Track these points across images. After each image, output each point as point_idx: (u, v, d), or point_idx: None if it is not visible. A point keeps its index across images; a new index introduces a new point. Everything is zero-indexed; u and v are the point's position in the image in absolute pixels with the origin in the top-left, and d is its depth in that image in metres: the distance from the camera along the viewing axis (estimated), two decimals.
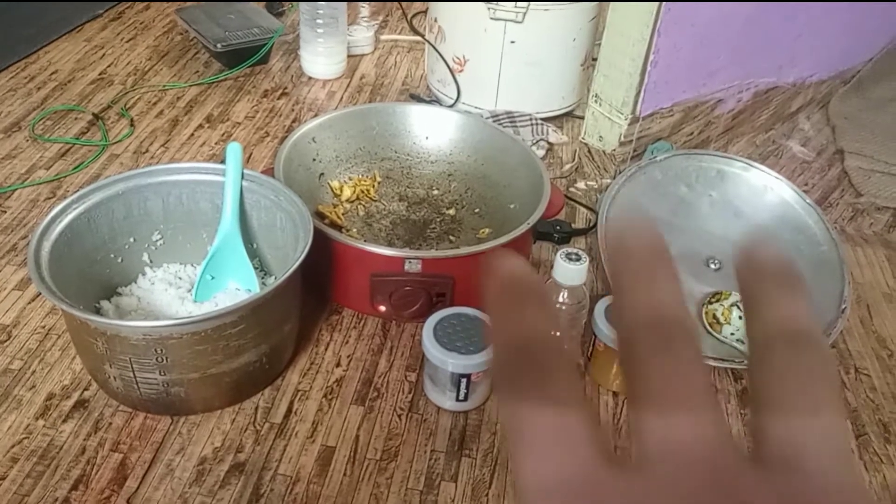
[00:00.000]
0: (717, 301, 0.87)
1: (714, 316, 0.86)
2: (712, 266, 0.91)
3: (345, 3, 1.31)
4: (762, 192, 0.99)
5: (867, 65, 1.39)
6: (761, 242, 0.24)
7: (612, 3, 1.04)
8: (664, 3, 0.96)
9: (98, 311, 0.79)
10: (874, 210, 1.13)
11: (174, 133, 1.18)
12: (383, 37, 1.49)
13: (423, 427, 0.76)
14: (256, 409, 0.77)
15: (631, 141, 1.08)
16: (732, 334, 0.85)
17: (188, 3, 1.48)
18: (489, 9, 1.15)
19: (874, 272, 1.01)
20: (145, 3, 1.55)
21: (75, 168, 1.08)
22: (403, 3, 1.54)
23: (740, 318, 0.85)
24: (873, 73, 1.39)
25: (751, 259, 0.23)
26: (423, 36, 1.34)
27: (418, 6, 1.57)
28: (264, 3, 1.52)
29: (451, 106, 1.25)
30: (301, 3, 1.30)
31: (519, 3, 1.13)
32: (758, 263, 0.23)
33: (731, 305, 0.86)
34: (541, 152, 1.17)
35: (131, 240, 0.84)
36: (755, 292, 0.23)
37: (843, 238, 1.00)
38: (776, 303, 0.22)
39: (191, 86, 1.30)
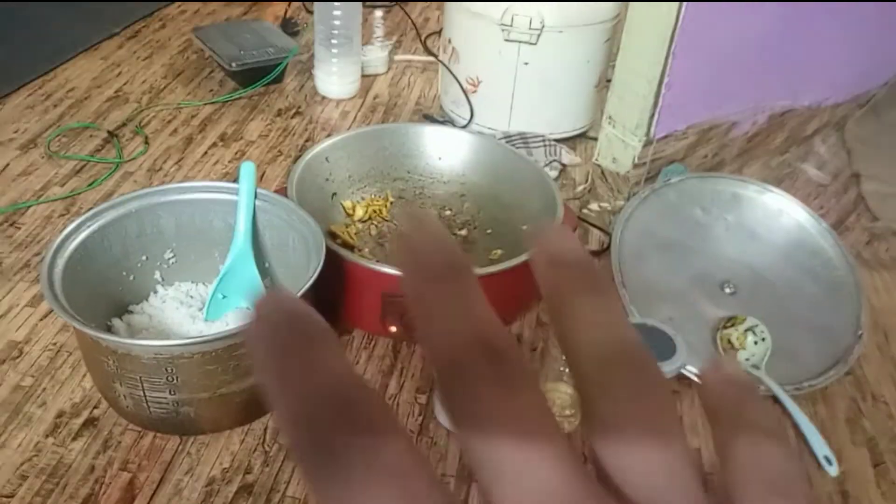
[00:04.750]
0: (732, 326, 0.86)
1: (729, 341, 0.85)
2: (727, 290, 0.91)
3: (359, 23, 1.32)
4: (777, 215, 0.98)
5: (883, 88, 1.38)
6: (559, 234, 0.21)
7: (627, 24, 1.03)
8: (679, 26, 0.96)
9: (109, 329, 0.79)
10: (890, 234, 1.12)
11: (188, 151, 1.18)
12: (397, 57, 1.50)
13: (434, 450, 0.76)
14: (266, 429, 0.76)
15: (645, 163, 1.07)
16: (747, 359, 0.84)
17: (204, 23, 1.49)
18: (503, 30, 1.15)
19: (891, 297, 1.00)
20: (161, 23, 1.56)
21: (90, 185, 1.08)
22: (418, 24, 1.55)
23: (755, 343, 0.84)
24: (889, 97, 1.38)
25: (551, 257, 0.21)
26: (436, 57, 1.35)
27: (433, 26, 1.58)
28: (279, 22, 1.53)
29: (464, 127, 1.25)
30: (316, 23, 1.30)
31: (533, 25, 1.14)
32: (558, 263, 0.21)
33: (746, 331, 0.85)
34: (554, 173, 1.16)
35: (144, 258, 0.84)
36: (561, 299, 0.20)
37: (859, 263, 0.99)
38: (588, 312, 0.20)
39: (205, 104, 1.30)
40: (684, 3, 0.94)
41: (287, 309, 0.19)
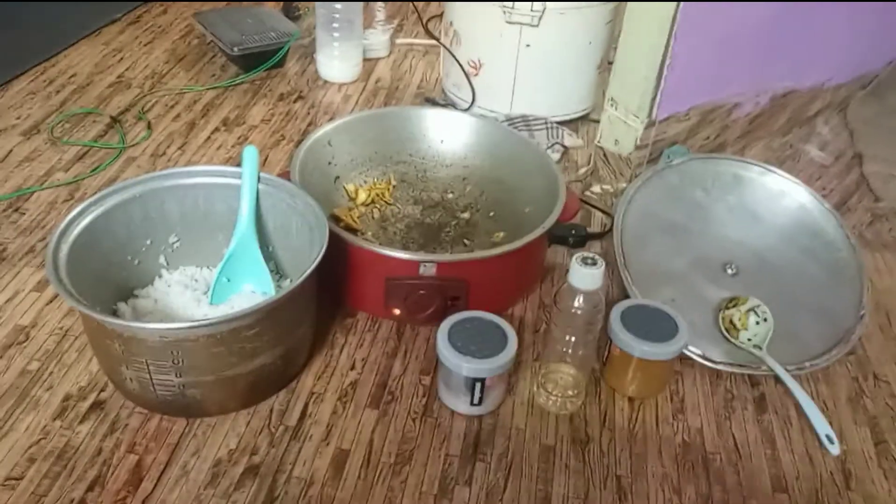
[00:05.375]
0: (734, 306, 0.86)
1: (731, 321, 0.85)
2: (729, 271, 0.91)
3: (361, 6, 1.32)
4: (779, 196, 0.98)
5: (885, 69, 1.38)
6: None
7: (628, 6, 1.03)
8: (681, 6, 0.95)
9: (115, 313, 0.79)
10: (893, 215, 1.12)
11: (191, 136, 1.18)
12: (399, 40, 1.50)
13: (438, 431, 0.76)
14: (271, 411, 0.77)
15: (647, 145, 1.07)
16: (749, 340, 0.84)
17: (205, 8, 1.49)
18: (505, 12, 1.15)
19: (893, 278, 1.00)
20: (163, 8, 1.56)
21: (93, 170, 1.09)
22: (419, 7, 1.55)
23: (757, 323, 0.85)
24: (892, 78, 1.38)
25: None
26: (438, 40, 1.34)
27: (434, 10, 1.57)
28: (281, 7, 1.53)
29: (466, 110, 1.25)
30: (317, 7, 1.30)
31: (535, 7, 1.13)
32: None
33: (748, 311, 0.85)
34: (556, 156, 1.16)
35: (148, 242, 0.84)
36: None
37: (861, 243, 0.99)
38: None
39: (208, 89, 1.30)
40: None
41: None
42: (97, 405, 0.76)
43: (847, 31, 1.22)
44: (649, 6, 0.99)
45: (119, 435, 0.73)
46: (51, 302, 0.87)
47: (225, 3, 1.59)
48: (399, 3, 1.63)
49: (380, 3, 1.46)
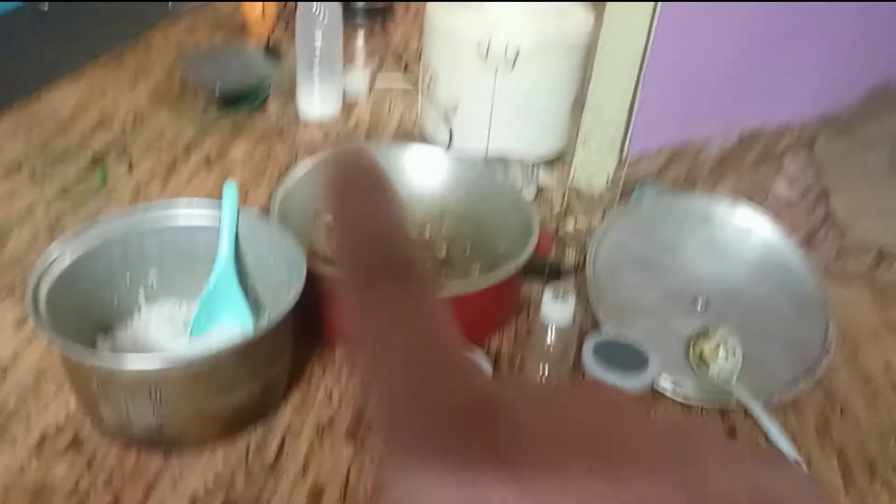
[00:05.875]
0: (705, 338, 0.88)
1: (701, 354, 0.87)
2: (699, 306, 0.93)
3: (340, 46, 1.34)
4: (747, 232, 1.01)
5: (853, 105, 1.42)
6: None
7: (599, 46, 1.06)
8: (650, 48, 0.99)
9: (93, 349, 0.80)
10: (859, 249, 1.15)
11: (172, 174, 1.20)
12: (379, 80, 1.53)
13: None
14: (248, 446, 0.77)
15: (619, 182, 1.10)
16: (719, 373, 0.86)
17: (188, 48, 1.51)
18: (480, 55, 1.18)
19: (859, 310, 1.03)
20: (146, 48, 1.58)
21: (74, 208, 1.10)
22: (398, 46, 1.58)
23: (726, 358, 0.87)
24: (859, 114, 1.42)
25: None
26: (416, 81, 1.37)
27: (412, 52, 1.61)
28: (263, 47, 1.56)
29: (445, 149, 1.27)
30: (298, 46, 1.33)
31: (510, 50, 1.16)
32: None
33: (717, 346, 0.87)
34: (531, 193, 1.19)
35: (128, 277, 0.85)
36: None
37: (828, 277, 1.02)
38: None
39: (189, 128, 1.32)
40: (655, 23, 0.97)
41: (356, 161, 0.23)
42: (75, 442, 0.76)
43: (814, 69, 1.26)
44: (619, 47, 1.02)
45: (96, 472, 0.73)
46: (30, 338, 0.88)
47: (208, 42, 1.62)
48: (379, 43, 1.66)
49: (360, 46, 1.49)
